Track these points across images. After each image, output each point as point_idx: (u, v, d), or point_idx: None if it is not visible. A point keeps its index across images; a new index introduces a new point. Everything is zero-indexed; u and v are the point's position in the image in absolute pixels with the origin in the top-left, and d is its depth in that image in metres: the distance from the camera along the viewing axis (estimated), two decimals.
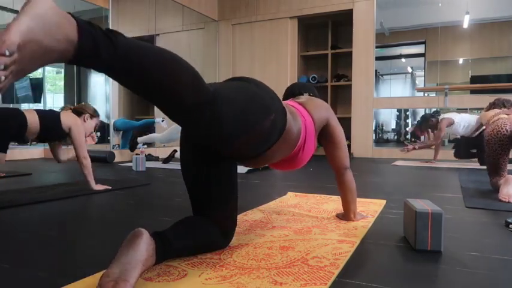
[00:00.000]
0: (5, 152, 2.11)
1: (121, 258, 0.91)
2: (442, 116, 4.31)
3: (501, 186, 2.24)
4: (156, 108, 5.84)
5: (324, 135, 1.60)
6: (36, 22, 0.66)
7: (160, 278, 1.02)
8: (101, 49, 0.74)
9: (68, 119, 2.37)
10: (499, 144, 2.39)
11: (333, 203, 2.06)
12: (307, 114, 1.46)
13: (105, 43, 0.75)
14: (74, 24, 0.72)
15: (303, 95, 1.70)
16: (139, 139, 4.67)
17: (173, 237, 1.07)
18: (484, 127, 2.86)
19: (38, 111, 2.27)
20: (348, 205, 1.67)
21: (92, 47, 0.73)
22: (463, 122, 4.20)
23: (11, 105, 5.34)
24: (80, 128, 2.41)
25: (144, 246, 0.95)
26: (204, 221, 1.19)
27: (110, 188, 2.50)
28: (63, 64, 4.78)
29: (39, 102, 5.40)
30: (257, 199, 1.95)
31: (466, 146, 4.34)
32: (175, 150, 4.28)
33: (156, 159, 4.77)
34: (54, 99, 5.78)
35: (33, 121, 2.21)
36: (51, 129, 2.31)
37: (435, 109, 5.40)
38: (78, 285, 0.98)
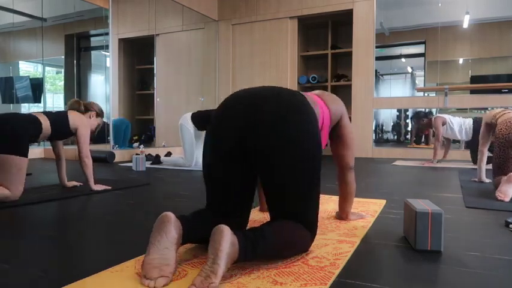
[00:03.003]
0: (26, 156, 2.12)
1: (156, 244, 1.00)
2: (434, 116, 4.36)
3: (502, 183, 2.23)
4: (155, 108, 5.85)
5: (335, 132, 1.59)
6: (225, 263, 0.93)
7: None
8: (246, 256, 1.02)
9: (76, 119, 2.40)
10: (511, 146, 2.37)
11: (333, 203, 2.06)
12: (323, 105, 1.46)
13: (250, 252, 1.02)
14: (237, 245, 0.99)
15: None
16: (164, 159, 4.46)
17: (194, 221, 1.14)
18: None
19: (47, 115, 2.28)
20: (343, 205, 1.67)
21: (242, 257, 1.00)
22: (455, 124, 4.26)
23: (11, 106, 5.34)
24: (86, 128, 2.44)
25: (174, 228, 1.03)
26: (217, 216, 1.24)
27: (110, 188, 2.51)
28: (63, 64, 4.76)
29: (39, 102, 5.40)
30: (257, 199, 1.95)
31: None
32: (170, 152, 4.28)
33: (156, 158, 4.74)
34: (54, 99, 5.79)
35: (45, 126, 2.24)
36: (60, 131, 2.35)
37: (434, 109, 5.40)
38: (78, 285, 0.98)
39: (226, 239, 0.94)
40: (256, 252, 1.03)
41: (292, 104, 1.20)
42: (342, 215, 1.68)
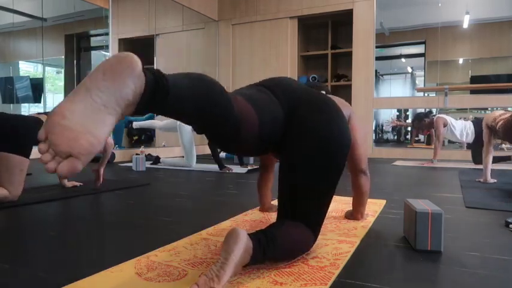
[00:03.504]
0: (28, 158, 2.13)
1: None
2: (435, 116, 4.37)
3: None
4: None
5: None
6: (232, 270, 0.92)
7: (161, 278, 1.02)
8: (256, 262, 0.99)
9: None
10: None
11: (333, 203, 2.06)
12: None
13: (261, 258, 1.00)
14: (251, 251, 0.97)
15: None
16: (136, 124, 4.63)
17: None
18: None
19: None
20: (357, 207, 1.68)
21: (252, 262, 0.98)
22: (457, 128, 4.26)
23: (11, 106, 5.33)
24: None
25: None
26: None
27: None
28: (63, 64, 4.75)
29: (39, 102, 5.40)
30: (257, 199, 1.95)
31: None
32: (158, 157, 4.30)
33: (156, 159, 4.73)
34: (54, 99, 5.78)
35: None
36: None
37: (434, 109, 5.40)
38: (78, 285, 0.98)
39: (239, 246, 0.93)
40: (265, 257, 1.02)
41: (332, 108, 1.20)
42: (357, 215, 1.69)
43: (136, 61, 0.74)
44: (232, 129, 0.98)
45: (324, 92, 1.69)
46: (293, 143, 1.14)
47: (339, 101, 1.56)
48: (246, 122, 1.01)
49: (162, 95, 0.78)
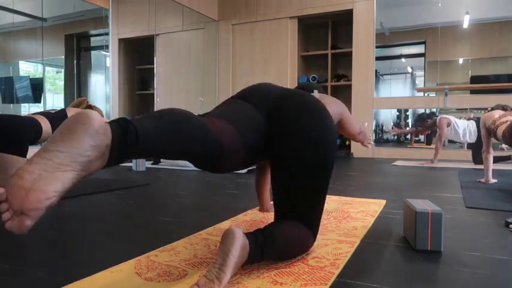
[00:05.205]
0: (25, 157, 2.13)
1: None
2: (439, 116, 4.37)
3: None
4: (155, 108, 5.84)
5: (341, 129, 1.75)
6: (232, 271, 0.92)
7: (161, 278, 1.02)
8: (254, 260, 1.00)
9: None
10: None
11: (333, 203, 2.06)
12: None
13: (259, 256, 1.01)
14: (248, 249, 0.97)
15: (313, 92, 1.72)
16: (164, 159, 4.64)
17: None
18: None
19: (48, 116, 2.29)
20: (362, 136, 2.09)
21: (250, 260, 0.99)
22: (461, 127, 4.26)
23: (11, 106, 5.34)
24: None
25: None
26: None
27: None
28: (63, 64, 4.75)
29: (39, 102, 5.40)
30: (257, 199, 1.95)
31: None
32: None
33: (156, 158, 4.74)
34: (54, 99, 5.78)
35: (46, 128, 2.24)
36: None
37: (434, 109, 5.40)
38: (78, 285, 0.98)
39: (236, 245, 0.93)
40: (263, 256, 1.02)
41: (319, 108, 1.21)
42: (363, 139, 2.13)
43: (92, 117, 0.76)
44: (214, 150, 0.99)
45: (316, 91, 1.71)
46: (282, 144, 1.14)
47: (330, 99, 1.59)
48: (225, 138, 1.02)
49: (132, 140, 0.79)
